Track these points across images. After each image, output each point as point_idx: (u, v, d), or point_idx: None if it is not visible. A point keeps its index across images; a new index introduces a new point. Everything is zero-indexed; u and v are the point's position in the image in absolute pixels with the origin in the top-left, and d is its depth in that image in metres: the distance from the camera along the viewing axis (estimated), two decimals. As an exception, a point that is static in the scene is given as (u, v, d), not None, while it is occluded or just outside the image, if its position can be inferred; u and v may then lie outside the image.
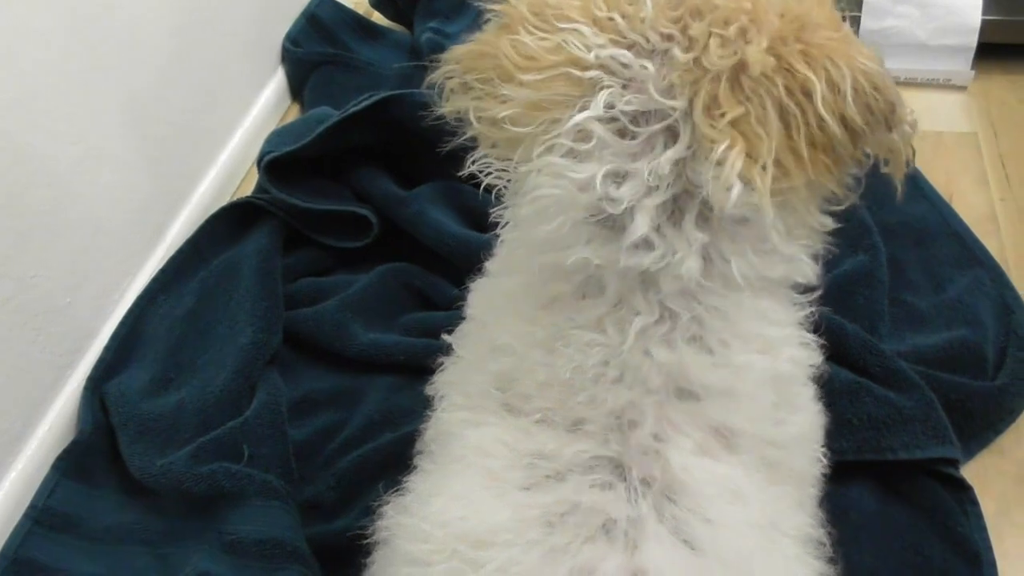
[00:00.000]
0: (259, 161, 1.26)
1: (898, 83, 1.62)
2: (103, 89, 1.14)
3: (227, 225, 1.30)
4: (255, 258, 1.21)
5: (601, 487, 0.58)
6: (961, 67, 1.50)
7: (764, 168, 0.55)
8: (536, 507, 0.58)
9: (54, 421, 1.08)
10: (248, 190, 1.40)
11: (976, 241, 1.22)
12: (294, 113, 1.58)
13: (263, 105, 1.53)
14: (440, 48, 0.78)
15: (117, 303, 1.20)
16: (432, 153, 1.23)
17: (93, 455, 1.07)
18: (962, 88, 1.50)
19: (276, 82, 1.58)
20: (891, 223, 1.24)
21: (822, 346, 1.02)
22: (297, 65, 1.59)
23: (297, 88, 1.61)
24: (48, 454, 1.06)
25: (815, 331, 0.67)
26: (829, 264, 1.16)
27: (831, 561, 0.65)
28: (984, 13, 1.48)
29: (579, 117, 0.57)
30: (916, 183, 1.31)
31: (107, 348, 1.15)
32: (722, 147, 0.55)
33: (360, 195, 1.30)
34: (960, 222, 1.25)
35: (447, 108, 0.64)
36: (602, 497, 0.57)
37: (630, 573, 0.55)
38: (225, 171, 1.42)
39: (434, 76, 0.65)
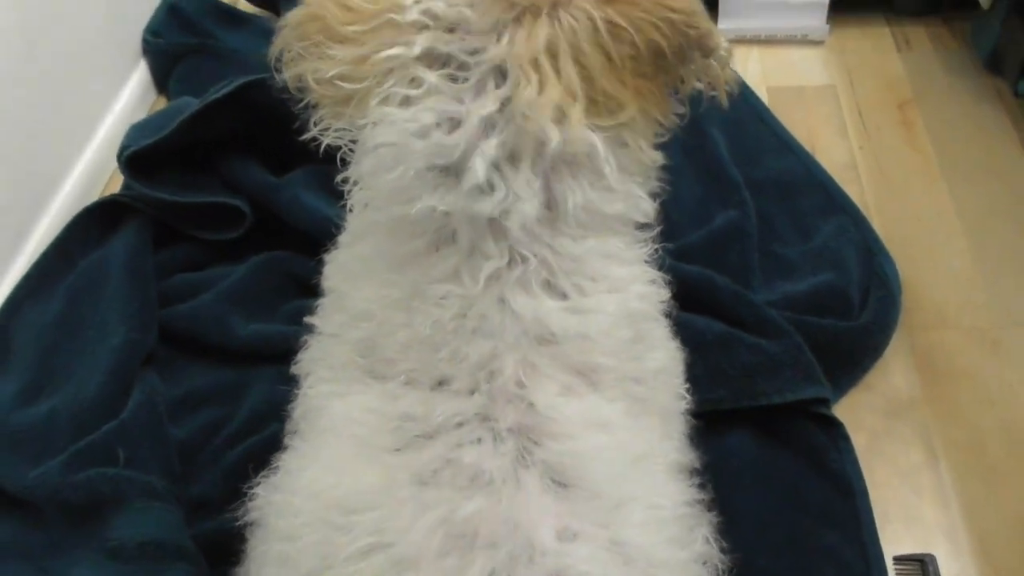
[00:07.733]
0: (119, 156, 1.21)
1: (759, 41, 1.66)
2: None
3: (93, 225, 1.24)
4: (124, 256, 1.17)
5: (470, 442, 0.58)
6: (817, 22, 1.55)
7: (576, 99, 0.57)
8: (407, 467, 0.57)
9: (-84, 441, 1.02)
10: (117, 188, 1.35)
11: (839, 189, 1.26)
12: (161, 106, 1.53)
13: (127, 100, 1.48)
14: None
15: (-21, 315, 1.15)
16: (300, 137, 1.23)
17: (-38, 474, 1.01)
18: (819, 43, 1.55)
19: (139, 76, 1.52)
20: (759, 178, 1.28)
21: (695, 299, 1.05)
22: (160, 57, 1.54)
23: (162, 81, 1.55)
24: (-88, 476, 1.00)
25: (660, 268, 0.69)
26: (701, 221, 1.21)
27: (709, 503, 0.67)
28: (835, -31, 1.53)
29: (392, 51, 0.57)
30: (780, 138, 1.35)
31: (-30, 362, 1.10)
32: (538, 80, 0.56)
33: (231, 185, 1.26)
34: (823, 172, 1.29)
35: (288, 75, 0.63)
36: (472, 451, 0.57)
37: (503, 522, 0.55)
38: (90, 170, 1.37)
39: (273, 46, 0.64)
